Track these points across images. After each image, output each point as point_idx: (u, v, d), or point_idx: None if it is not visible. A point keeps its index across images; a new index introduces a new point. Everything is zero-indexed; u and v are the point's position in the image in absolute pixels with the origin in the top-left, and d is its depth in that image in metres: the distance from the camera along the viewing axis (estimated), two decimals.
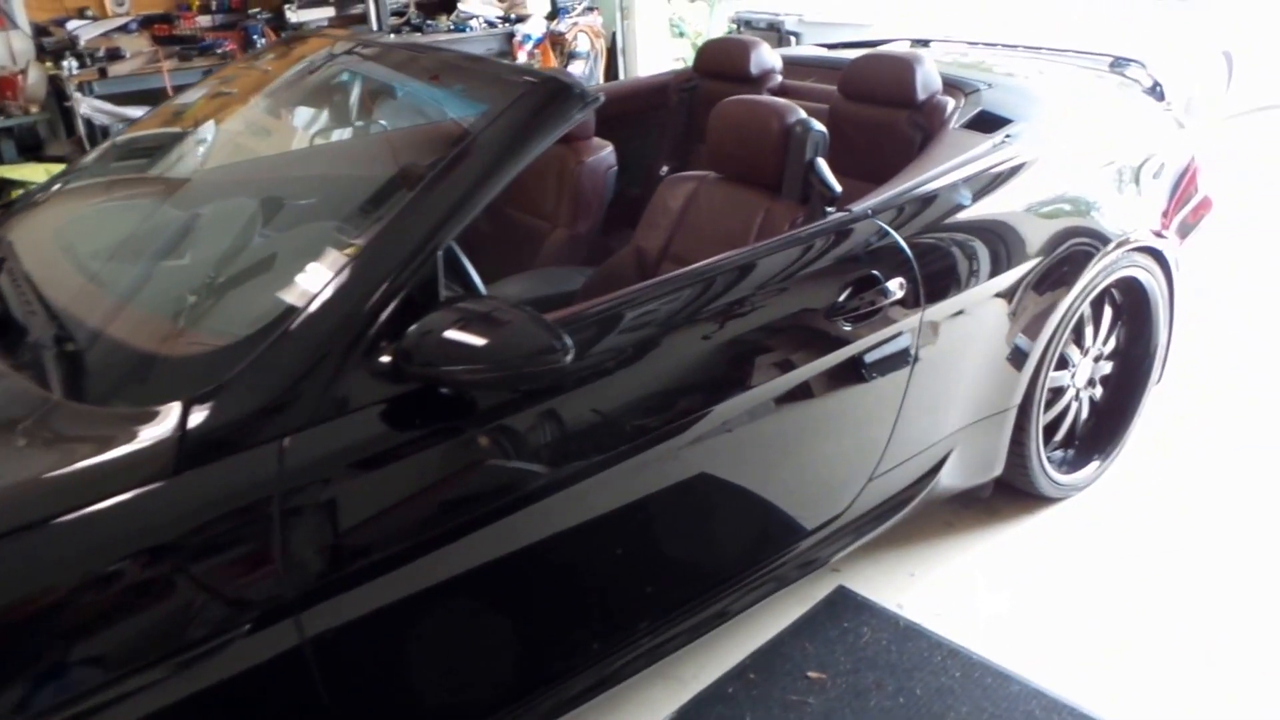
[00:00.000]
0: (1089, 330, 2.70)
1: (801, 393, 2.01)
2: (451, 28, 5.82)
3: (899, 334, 2.11)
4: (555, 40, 5.98)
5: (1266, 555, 2.58)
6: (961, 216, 2.26)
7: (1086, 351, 2.73)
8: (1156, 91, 2.89)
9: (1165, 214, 2.73)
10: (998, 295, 2.30)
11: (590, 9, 6.22)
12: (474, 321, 1.47)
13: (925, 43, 3.76)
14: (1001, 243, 2.32)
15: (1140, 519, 2.73)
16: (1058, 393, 2.73)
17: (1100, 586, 2.48)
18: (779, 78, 3.21)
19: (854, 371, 2.07)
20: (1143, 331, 2.85)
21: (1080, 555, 2.60)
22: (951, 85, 2.76)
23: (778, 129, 2.24)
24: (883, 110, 2.75)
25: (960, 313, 2.23)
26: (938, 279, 2.18)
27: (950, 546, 2.64)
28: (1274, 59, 7.25)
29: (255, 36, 4.98)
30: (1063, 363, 2.67)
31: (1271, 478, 2.89)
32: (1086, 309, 2.61)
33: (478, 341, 1.46)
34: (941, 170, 2.29)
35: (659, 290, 1.83)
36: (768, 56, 3.19)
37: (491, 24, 5.95)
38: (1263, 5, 7.03)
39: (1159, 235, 2.66)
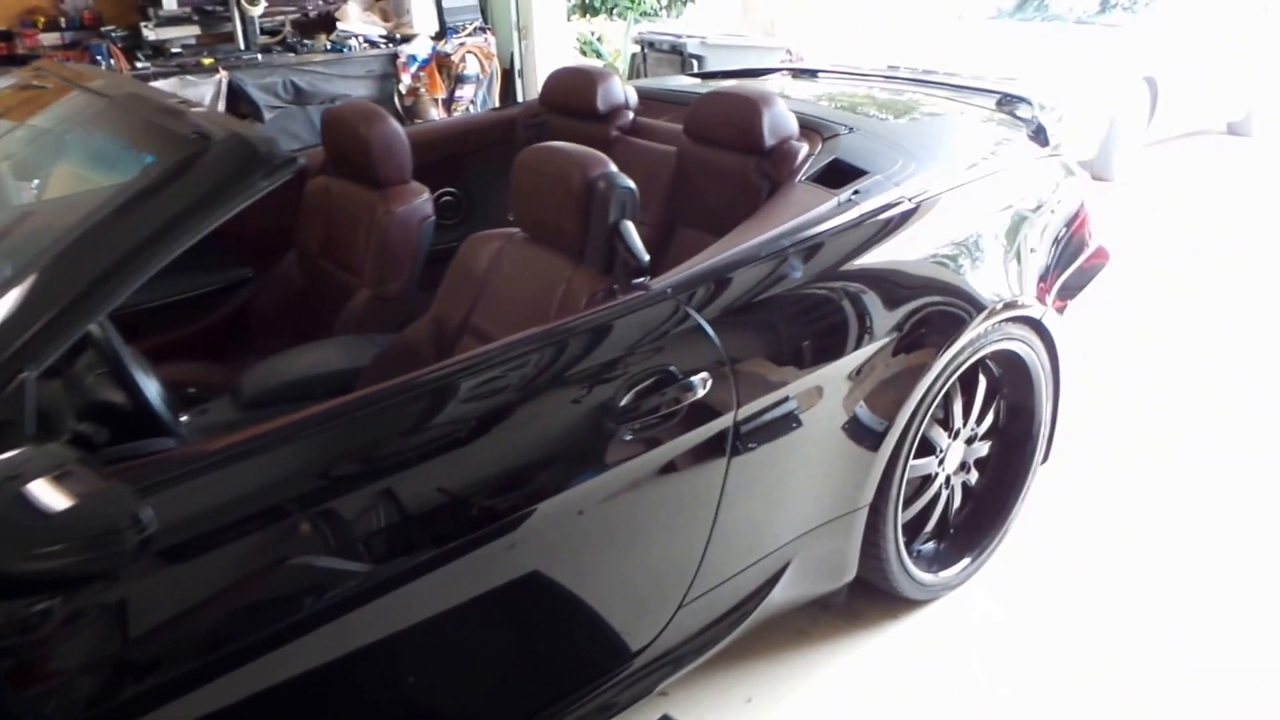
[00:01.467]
0: (958, 410, 2.37)
1: (586, 511, 1.65)
2: (328, 48, 5.41)
3: (708, 437, 1.76)
4: (442, 62, 5.60)
5: (1159, 650, 2.28)
6: (790, 290, 1.92)
7: (956, 434, 2.40)
8: (1041, 135, 2.59)
9: (1047, 276, 2.42)
10: (837, 380, 1.96)
11: (482, 29, 5.84)
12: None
13: (813, 73, 3.45)
14: (842, 319, 1.99)
15: (1027, 618, 2.42)
16: (925, 481, 2.41)
17: (983, 708, 2.16)
18: (630, 115, 2.86)
19: (651, 484, 1.72)
20: (1024, 408, 2.54)
21: (957, 668, 2.27)
22: (809, 128, 2.42)
23: (578, 184, 1.88)
24: (729, 155, 2.41)
25: (788, 405, 1.88)
26: (757, 368, 1.84)
27: (801, 661, 2.29)
28: (1197, 84, 7.10)
29: (99, 57, 4.53)
30: (928, 448, 2.34)
31: (1171, 564, 2.59)
32: (954, 387, 2.29)
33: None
34: (770, 237, 1.95)
35: (439, 378, 1.56)
36: (617, 90, 2.84)
37: (374, 44, 5.55)
38: (1185, 29, 6.87)
39: (1039, 301, 2.35)
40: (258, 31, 5.20)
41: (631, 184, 1.88)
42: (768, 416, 1.86)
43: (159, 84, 4.74)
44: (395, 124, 2.54)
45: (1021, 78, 5.85)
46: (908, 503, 2.39)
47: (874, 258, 2.05)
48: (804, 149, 2.31)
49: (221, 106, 4.94)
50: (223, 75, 4.91)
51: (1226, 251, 5.14)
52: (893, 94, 3.00)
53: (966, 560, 2.49)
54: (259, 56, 5.11)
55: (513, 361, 1.61)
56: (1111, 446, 3.18)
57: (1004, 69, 6.32)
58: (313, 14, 5.55)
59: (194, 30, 5.13)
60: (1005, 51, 6.58)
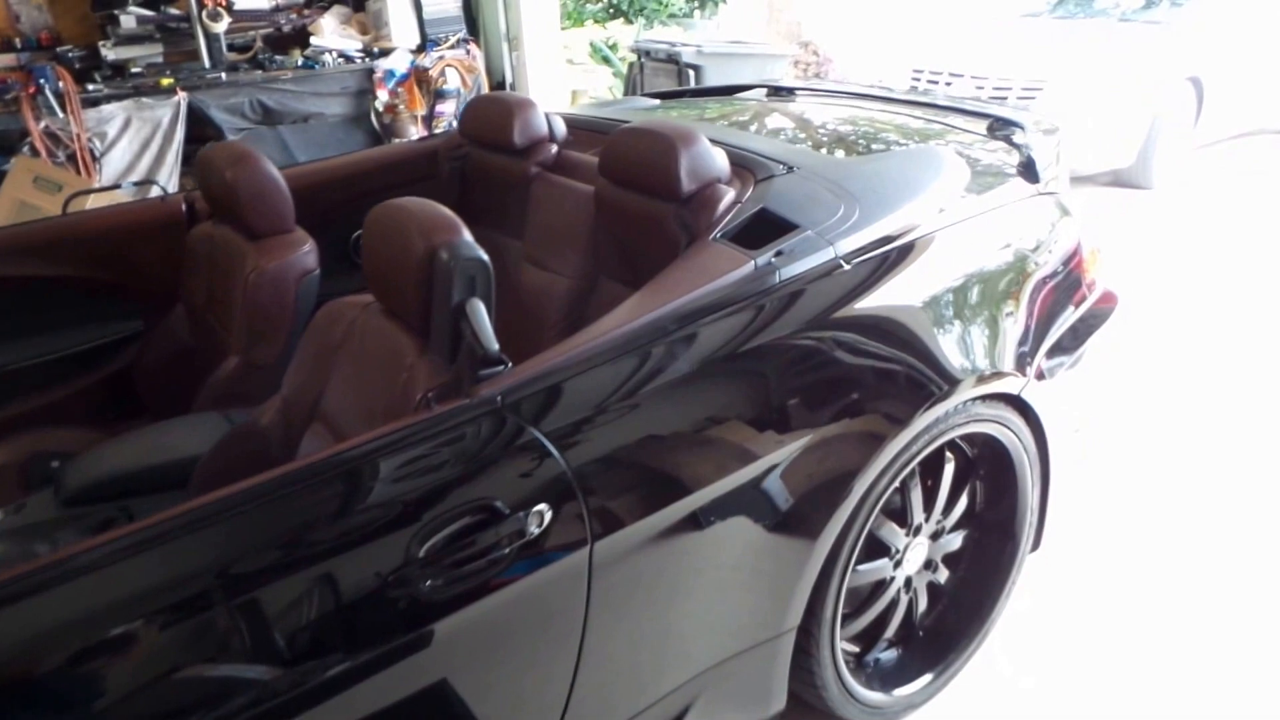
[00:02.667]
0: (917, 503, 1.98)
1: (416, 660, 1.30)
2: (299, 64, 5.12)
3: (554, 578, 1.40)
4: (420, 77, 5.29)
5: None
6: (674, 382, 1.55)
7: (917, 530, 2.01)
8: (1030, 171, 2.18)
9: (1030, 339, 2.01)
10: (742, 490, 1.59)
11: (465, 40, 5.52)
12: None
13: (790, 91, 3.07)
14: (747, 413, 1.61)
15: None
16: (879, 586, 2.02)
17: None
18: (554, 149, 2.50)
19: (484, 633, 1.36)
20: (1005, 495, 2.14)
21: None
22: (744, 167, 2.05)
23: (419, 254, 1.52)
24: (646, 201, 2.04)
25: (672, 526, 1.51)
26: (623, 487, 1.47)
27: None
28: (1248, 83, 6.55)
29: (42, 80, 4.29)
30: (881, 548, 1.96)
31: (1174, 666, 2.18)
32: (913, 474, 1.91)
33: None
34: (650, 320, 1.58)
35: (264, 492, 1.24)
36: (537, 122, 2.48)
37: (350, 58, 5.25)
38: (1234, 25, 6.32)
39: (1018, 372, 1.95)
40: (224, 49, 4.93)
41: (483, 256, 1.52)
42: (640, 544, 1.49)
43: (107, 108, 4.51)
44: (268, 167, 2.22)
45: (1051, 80, 5.45)
46: (859, 610, 2.02)
47: (792, 335, 1.67)
48: (729, 196, 1.94)
49: (180, 131, 4.69)
50: (181, 97, 4.65)
51: (1275, 271, 4.62)
52: (866, 120, 2.60)
53: (929, 677, 2.10)
54: (223, 75, 4.84)
55: (301, 492, 1.27)
56: (1108, 534, 2.75)
57: (1036, 70, 5.90)
58: (286, 29, 5.27)
59: (157, 49, 4.88)
60: (1039, 52, 6.10)
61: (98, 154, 4.51)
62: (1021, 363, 1.96)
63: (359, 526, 1.28)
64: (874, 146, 2.35)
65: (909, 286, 1.82)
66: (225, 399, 2.18)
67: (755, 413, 1.61)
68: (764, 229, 1.81)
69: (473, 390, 1.41)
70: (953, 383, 1.79)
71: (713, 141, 2.12)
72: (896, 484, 1.82)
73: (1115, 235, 5.13)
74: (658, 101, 3.12)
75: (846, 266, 1.75)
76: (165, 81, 4.67)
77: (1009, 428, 2.01)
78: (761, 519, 1.62)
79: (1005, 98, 6.04)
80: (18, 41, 4.71)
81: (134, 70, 4.78)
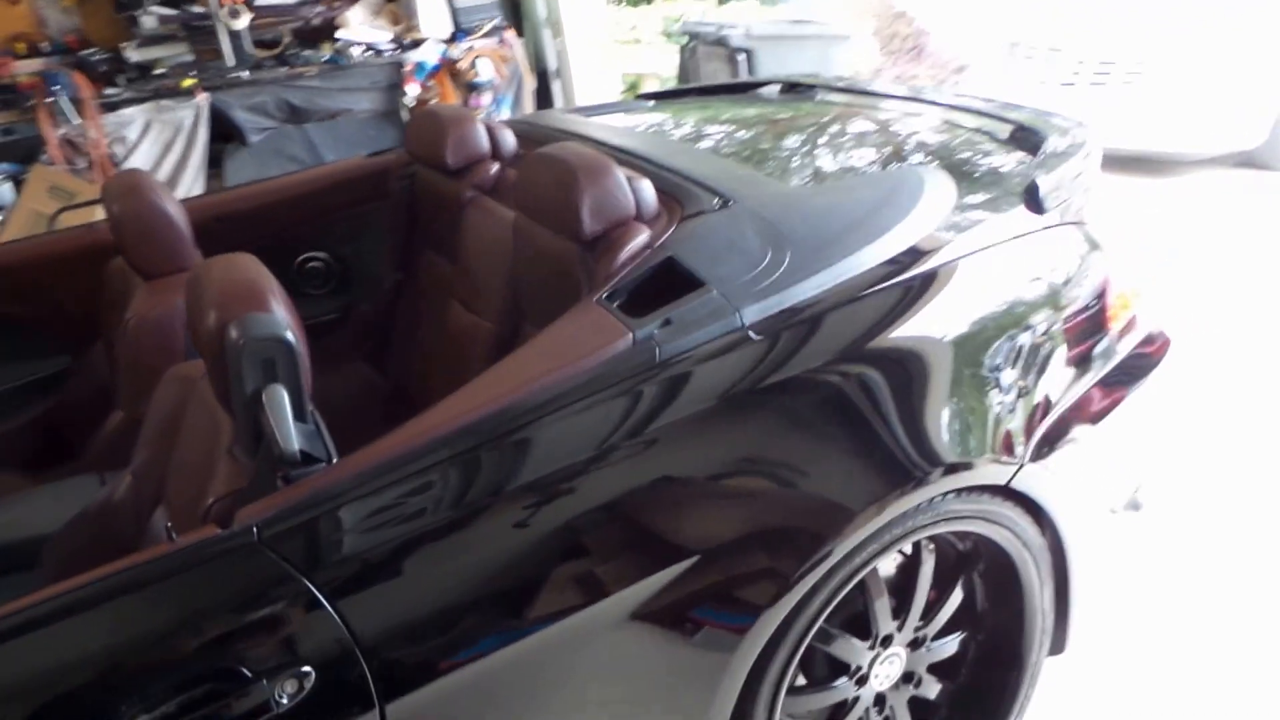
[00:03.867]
0: (882, 612, 1.61)
1: None
2: (326, 59, 4.93)
3: None
4: (452, 69, 5.02)
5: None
6: (514, 497, 1.22)
7: (886, 641, 1.63)
8: (1033, 198, 1.74)
9: (1027, 417, 1.60)
10: (600, 627, 1.26)
11: (501, 28, 5.22)
12: None
13: (810, 89, 2.66)
14: (604, 537, 1.27)
15: None
16: (839, 710, 1.66)
17: None
18: (495, 167, 2.18)
19: None
20: (1011, 594, 1.74)
21: None
22: (674, 198, 1.69)
23: (210, 328, 1.24)
24: (555, 239, 1.71)
25: (497, 679, 1.20)
26: (426, 638, 1.16)
27: None
28: None
29: (57, 87, 4.20)
30: (839, 667, 1.60)
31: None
32: (874, 578, 1.55)
33: None
34: (499, 410, 1.25)
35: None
36: (474, 139, 2.16)
37: (379, 51, 5.03)
38: None
39: (1007, 454, 1.54)
40: (248, 46, 4.76)
41: (285, 334, 1.22)
42: (463, 699, 1.18)
43: (126, 112, 4.40)
44: (158, 199, 1.96)
45: (1163, 51, 4.82)
46: None
47: (673, 429, 1.31)
48: (639, 239, 1.58)
49: (204, 133, 4.55)
50: (202, 98, 4.50)
51: None
52: (871, 128, 2.19)
53: None
54: (245, 74, 4.68)
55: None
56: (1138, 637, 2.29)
57: (1147, 42, 5.25)
58: (315, 22, 5.07)
59: (183, 49, 4.75)
60: (1152, 20, 5.43)
61: (118, 160, 4.41)
62: (1011, 444, 1.55)
63: (64, 696, 1.01)
64: (840, 172, 1.95)
65: (844, 360, 1.44)
66: (107, 458, 1.96)
67: (617, 535, 1.27)
68: (665, 286, 1.46)
69: (239, 513, 1.12)
70: (903, 481, 1.41)
71: (647, 165, 1.77)
72: (842, 595, 1.46)
73: (1241, 223, 4.55)
74: (651, 103, 2.76)
75: (755, 338, 1.38)
76: (187, 83, 4.53)
77: (999, 522, 1.61)
78: (648, 654, 1.29)
79: (1106, 78, 5.42)
80: (45, 45, 4.64)
81: (158, 72, 4.67)
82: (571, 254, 1.65)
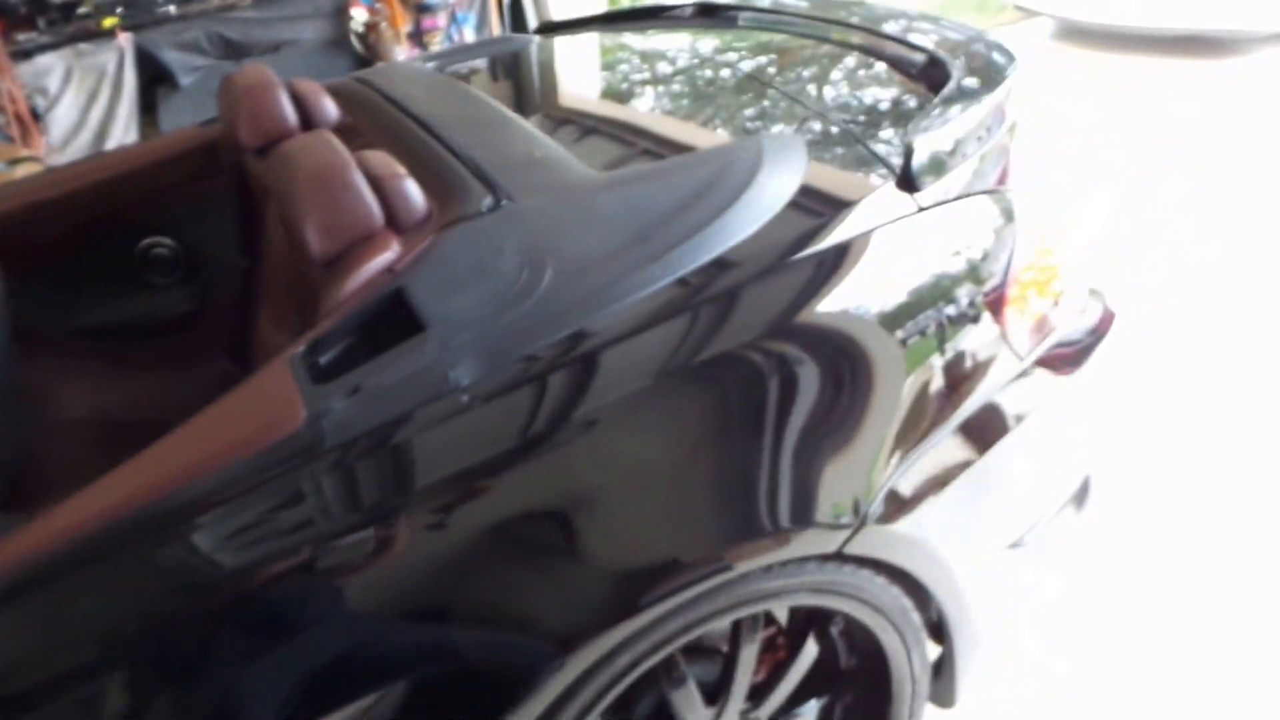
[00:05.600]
0: (684, 701, 1.31)
1: None
2: None
3: None
4: None
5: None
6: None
7: None
8: (906, 176, 1.35)
9: (873, 466, 1.26)
10: None
11: None
12: None
13: (729, 10, 2.25)
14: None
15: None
16: None
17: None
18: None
19: None
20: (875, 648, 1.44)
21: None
22: (445, 198, 1.35)
23: None
24: (304, 261, 1.39)
25: None
26: None
27: None
28: None
29: None
30: None
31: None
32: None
33: None
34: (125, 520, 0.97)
35: None
36: (274, 110, 1.81)
37: None
38: None
39: (836, 527, 1.22)
40: None
41: None
42: None
43: (43, 60, 4.10)
44: None
45: None
46: None
47: (339, 551, 1.01)
48: (380, 260, 1.25)
49: (131, 77, 4.25)
50: (123, 39, 4.18)
51: None
52: (754, 73, 1.80)
53: None
54: (172, 8, 4.33)
55: None
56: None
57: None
58: None
59: None
60: None
61: (41, 112, 4.14)
62: (839, 503, 1.21)
63: None
64: (704, 132, 1.58)
65: (603, 421, 1.10)
66: None
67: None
68: (385, 331, 1.14)
69: None
70: (671, 577, 1.10)
71: (441, 149, 1.43)
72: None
73: None
74: (535, 39, 2.37)
75: (470, 403, 1.05)
76: (108, 23, 4.20)
77: (836, 592, 1.29)
78: None
79: None
80: None
81: (82, 11, 4.34)
82: (316, 280, 1.33)
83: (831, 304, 1.20)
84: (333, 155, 1.28)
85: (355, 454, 0.99)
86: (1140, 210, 3.57)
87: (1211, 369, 2.75)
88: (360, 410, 1.01)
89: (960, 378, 1.30)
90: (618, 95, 1.87)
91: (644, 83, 1.93)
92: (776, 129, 1.50)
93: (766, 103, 1.58)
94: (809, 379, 1.17)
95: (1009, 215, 1.40)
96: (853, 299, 1.22)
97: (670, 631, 1.13)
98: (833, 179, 1.36)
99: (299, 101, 1.83)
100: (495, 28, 4.92)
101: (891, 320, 1.24)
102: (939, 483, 1.30)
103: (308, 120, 1.86)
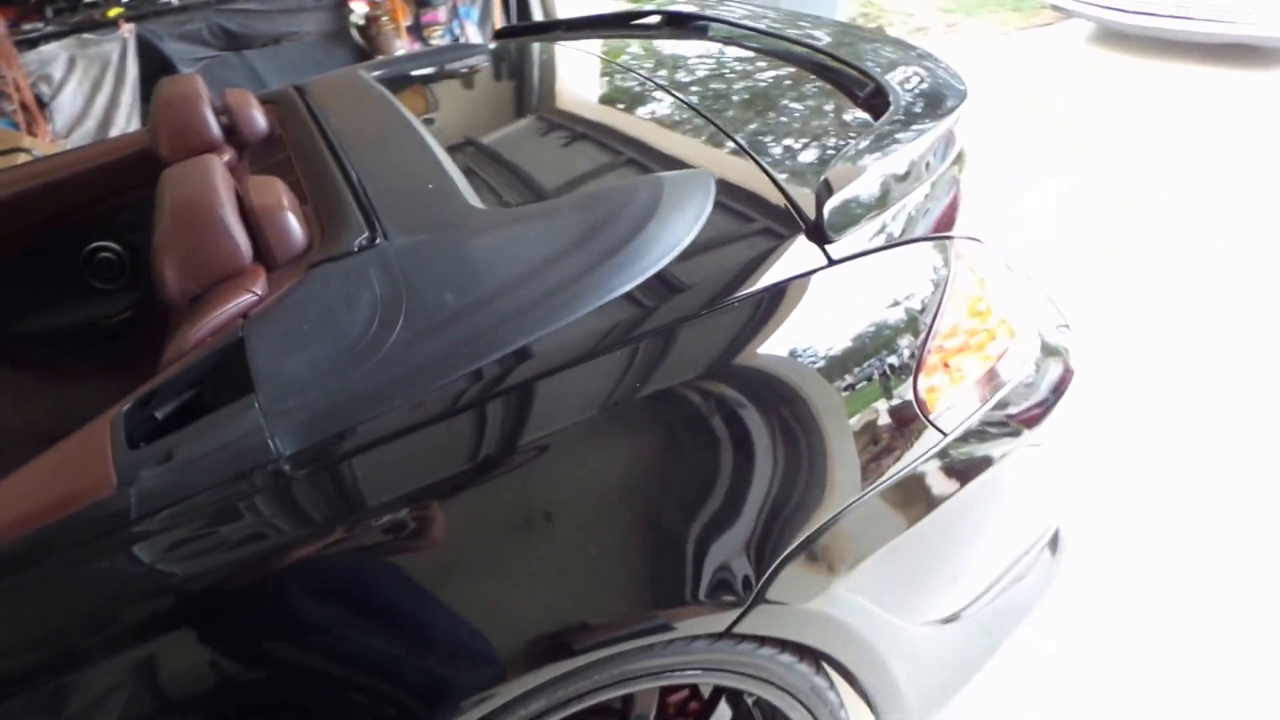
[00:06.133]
0: None
1: None
2: None
3: None
4: None
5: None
6: None
7: None
8: (819, 228, 1.25)
9: (763, 542, 1.16)
10: None
11: None
12: None
13: (697, 21, 2.15)
14: None
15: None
16: None
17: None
18: (224, 158, 1.77)
19: None
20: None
21: None
22: (327, 230, 1.28)
23: None
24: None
25: None
26: None
27: None
28: None
29: None
30: None
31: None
32: None
33: None
34: None
35: None
36: (196, 123, 1.77)
37: None
38: None
39: (732, 603, 1.13)
40: None
41: None
42: None
43: (47, 48, 4.11)
44: None
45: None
46: None
47: (146, 631, 0.94)
48: (234, 306, 1.19)
49: (133, 67, 4.24)
50: (127, 29, 4.17)
51: None
52: (698, 91, 1.71)
53: None
54: (174, 0, 4.31)
55: None
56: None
57: None
58: None
59: None
60: None
61: (46, 100, 4.15)
62: (729, 580, 1.13)
63: None
64: (614, 164, 1.49)
65: (414, 506, 1.02)
66: None
67: None
68: (221, 388, 1.07)
69: None
70: (530, 661, 1.02)
71: (326, 174, 1.37)
72: None
73: None
74: (490, 46, 2.29)
75: (289, 471, 0.98)
76: (112, 12, 4.20)
77: (729, 670, 1.21)
78: None
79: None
80: None
81: (87, 1, 4.34)
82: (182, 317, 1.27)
83: (718, 369, 1.11)
84: (201, 187, 1.22)
85: (156, 527, 0.92)
86: (1169, 223, 3.42)
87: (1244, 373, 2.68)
88: (170, 480, 0.94)
89: (870, 452, 1.20)
90: (545, 112, 1.78)
91: (571, 100, 1.85)
92: (694, 155, 1.40)
93: (689, 132, 1.49)
94: (686, 450, 1.08)
95: (939, 268, 1.30)
96: (748, 364, 1.12)
97: (536, 711, 1.06)
98: (735, 226, 1.26)
99: (230, 114, 1.77)
100: (499, 21, 4.84)
101: (788, 389, 1.14)
102: (854, 557, 1.21)
103: (235, 134, 1.80)
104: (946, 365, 1.29)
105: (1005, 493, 1.39)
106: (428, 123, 1.70)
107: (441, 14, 4.61)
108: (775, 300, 1.18)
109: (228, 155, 1.78)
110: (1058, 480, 1.58)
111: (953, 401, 1.29)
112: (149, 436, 1.01)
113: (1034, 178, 4.06)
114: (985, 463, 1.32)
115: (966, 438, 1.31)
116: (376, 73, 2.08)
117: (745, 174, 1.34)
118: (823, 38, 1.87)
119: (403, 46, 4.58)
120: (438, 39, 4.64)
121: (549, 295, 1.11)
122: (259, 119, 1.83)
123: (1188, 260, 3.27)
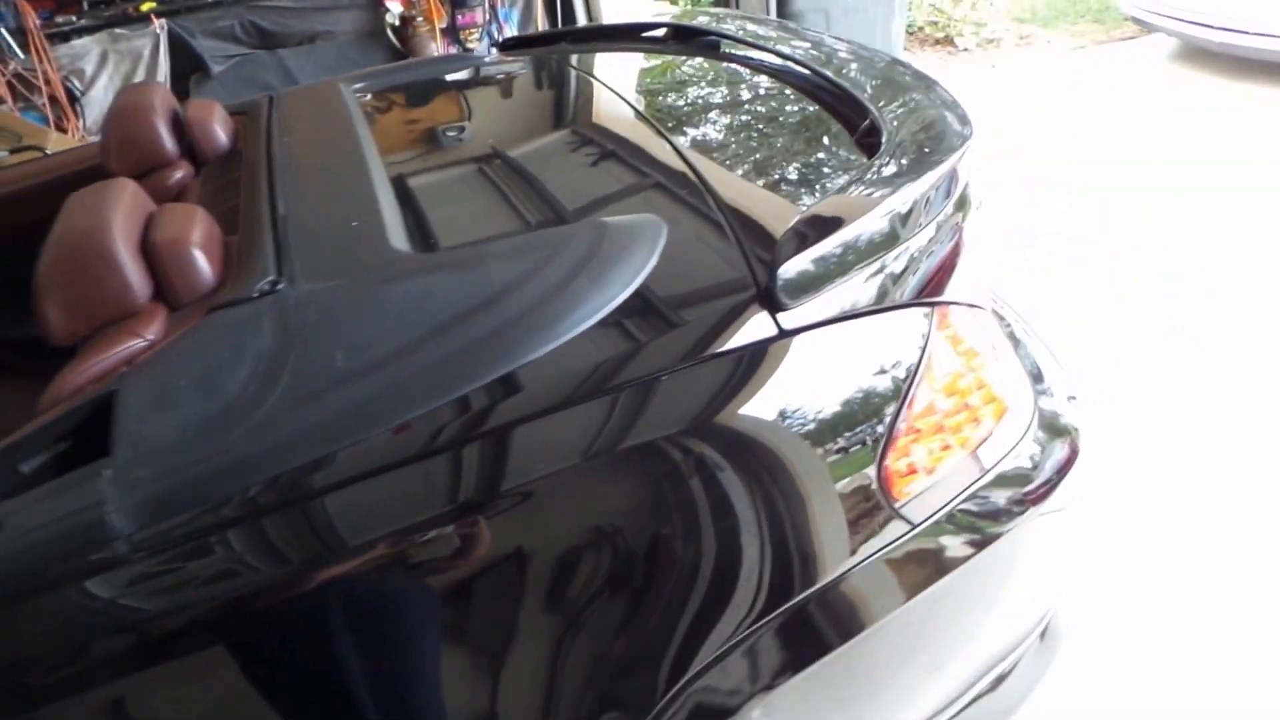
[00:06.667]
0: None
1: None
2: None
3: None
4: None
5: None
6: None
7: None
8: (769, 293, 1.10)
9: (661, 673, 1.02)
10: None
11: None
12: None
13: (709, 37, 2.01)
14: None
15: None
16: None
17: None
18: (176, 176, 1.67)
19: None
20: None
21: None
22: (244, 265, 1.17)
23: None
24: None
25: None
26: None
27: None
28: None
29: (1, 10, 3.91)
30: None
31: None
32: None
33: None
34: None
35: None
36: (148, 136, 1.67)
37: None
38: None
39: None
40: None
41: None
42: None
43: (79, 43, 4.10)
44: None
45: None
46: None
47: None
48: (117, 353, 1.08)
49: (164, 63, 4.21)
50: (158, 25, 4.14)
51: None
52: (680, 121, 1.57)
53: None
54: None
55: None
56: None
57: None
58: None
59: None
60: None
61: (78, 94, 4.15)
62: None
63: None
64: (578, 200, 1.35)
65: (283, 599, 0.90)
66: None
67: None
68: (84, 447, 0.96)
69: None
70: None
71: (256, 203, 1.26)
72: None
73: None
74: (493, 56, 2.18)
75: (132, 557, 0.86)
76: (145, 6, 4.18)
77: None
78: None
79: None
80: None
81: None
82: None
83: (642, 452, 0.97)
84: (92, 218, 1.11)
85: None
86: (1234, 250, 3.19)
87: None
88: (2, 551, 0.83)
89: (806, 553, 1.04)
90: (509, 140, 1.64)
91: (547, 119, 1.72)
92: (654, 196, 1.26)
93: (656, 168, 1.34)
94: (565, 553, 0.95)
95: (916, 340, 1.14)
96: (675, 449, 0.98)
97: None
98: (680, 283, 1.11)
99: (189, 127, 1.67)
100: (541, 23, 4.73)
101: (724, 478, 1.00)
102: (781, 673, 1.05)
103: (194, 148, 1.70)
104: (911, 452, 1.13)
105: (980, 589, 1.23)
106: (388, 146, 1.58)
107: (479, 15, 4.51)
108: (709, 375, 1.03)
109: (181, 172, 1.68)
110: (1055, 560, 1.41)
111: (922, 490, 1.13)
112: (11, 492, 0.90)
113: (1092, 197, 3.82)
114: (956, 561, 1.16)
115: (938, 527, 1.15)
116: (359, 84, 1.97)
117: (705, 223, 1.19)
118: (846, 69, 1.69)
119: (437, 48, 4.49)
120: (474, 42, 4.55)
121: (446, 362, 0.98)
122: (219, 134, 1.73)
123: (1262, 289, 3.03)
